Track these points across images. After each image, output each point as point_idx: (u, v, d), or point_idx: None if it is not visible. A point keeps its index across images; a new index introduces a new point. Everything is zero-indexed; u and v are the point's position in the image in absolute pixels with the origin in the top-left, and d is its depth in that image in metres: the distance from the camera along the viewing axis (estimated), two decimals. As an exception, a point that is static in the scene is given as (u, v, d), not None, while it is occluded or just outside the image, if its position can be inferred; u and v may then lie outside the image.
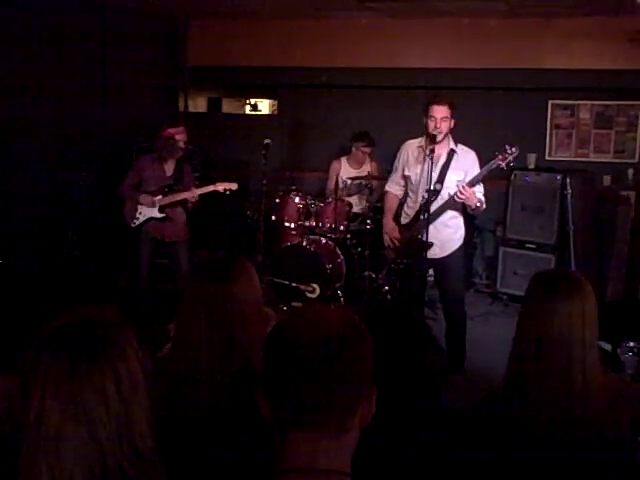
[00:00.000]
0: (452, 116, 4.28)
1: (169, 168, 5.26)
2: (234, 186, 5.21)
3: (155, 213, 5.17)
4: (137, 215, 5.19)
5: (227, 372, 1.80)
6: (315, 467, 1.12)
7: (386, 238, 4.65)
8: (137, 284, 5.33)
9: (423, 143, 4.41)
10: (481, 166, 4.36)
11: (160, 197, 5.16)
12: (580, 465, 1.69)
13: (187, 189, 5.23)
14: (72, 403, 1.15)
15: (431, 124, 4.24)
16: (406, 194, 4.66)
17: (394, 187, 4.72)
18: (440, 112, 4.23)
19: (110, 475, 1.16)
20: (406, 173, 4.53)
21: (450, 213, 4.43)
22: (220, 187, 5.18)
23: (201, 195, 5.20)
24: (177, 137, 5.16)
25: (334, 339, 1.13)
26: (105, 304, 1.30)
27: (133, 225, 5.21)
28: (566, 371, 1.73)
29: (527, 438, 1.72)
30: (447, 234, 4.45)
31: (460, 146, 4.43)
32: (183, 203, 5.24)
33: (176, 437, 1.70)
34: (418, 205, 4.43)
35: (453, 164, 4.35)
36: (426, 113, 4.28)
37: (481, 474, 1.71)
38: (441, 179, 4.33)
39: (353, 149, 6.30)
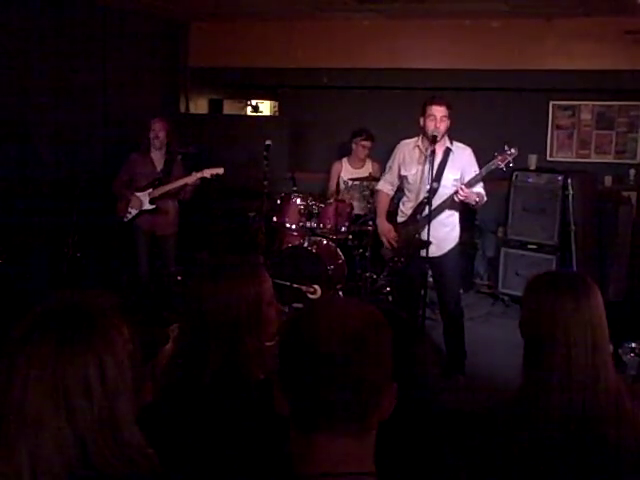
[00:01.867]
0: (449, 117, 4.31)
1: (158, 163, 5.34)
2: (220, 170, 5.25)
3: (146, 205, 5.25)
4: (129, 209, 5.28)
5: (204, 376, 1.79)
6: (342, 471, 1.07)
7: (383, 239, 4.68)
8: (138, 282, 5.37)
9: (420, 143, 4.44)
10: (479, 165, 4.39)
11: (151, 190, 5.24)
12: (594, 467, 1.68)
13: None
14: (54, 389, 1.13)
15: (431, 123, 4.27)
16: (400, 191, 4.69)
17: (387, 186, 4.76)
18: (440, 111, 4.27)
19: (93, 464, 1.14)
20: (403, 173, 4.55)
21: (447, 212, 4.46)
22: (207, 173, 5.24)
23: (196, 189, 5.31)
24: (152, 126, 5.23)
25: (351, 338, 1.08)
26: (100, 291, 1.28)
27: (125, 219, 5.30)
28: (577, 373, 1.72)
29: (540, 441, 1.71)
30: (444, 233, 4.48)
31: (456, 143, 4.46)
32: (174, 194, 5.32)
33: (167, 440, 1.69)
34: (416, 204, 4.46)
35: (449, 163, 4.39)
36: (424, 113, 4.32)
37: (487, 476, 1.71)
38: (438, 178, 4.35)
39: (353, 146, 6.31)
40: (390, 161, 4.70)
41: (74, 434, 1.14)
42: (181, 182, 5.25)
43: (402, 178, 4.60)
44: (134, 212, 5.27)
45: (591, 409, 1.69)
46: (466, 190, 4.22)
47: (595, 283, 1.82)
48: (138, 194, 5.27)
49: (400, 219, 4.65)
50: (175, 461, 1.59)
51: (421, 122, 4.36)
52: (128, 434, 1.20)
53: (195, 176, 5.24)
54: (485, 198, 4.45)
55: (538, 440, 1.71)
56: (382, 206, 4.78)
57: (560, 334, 1.74)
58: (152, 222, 5.32)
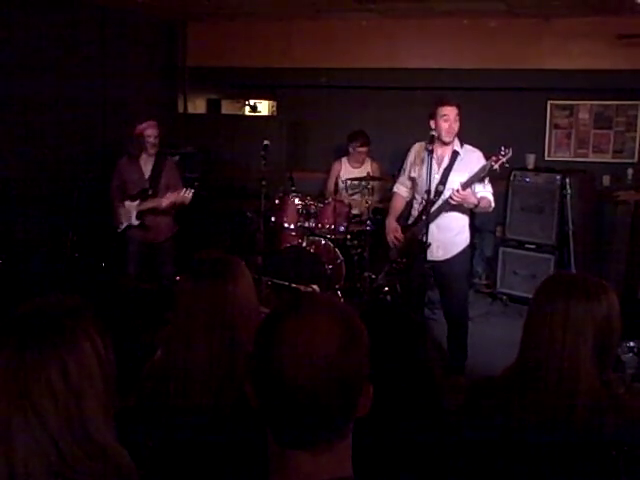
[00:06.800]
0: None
1: (146, 168, 5.17)
2: (187, 199, 4.98)
3: (132, 220, 5.13)
4: (121, 220, 5.19)
5: (230, 375, 1.80)
6: None
7: (389, 238, 4.68)
8: (121, 283, 5.31)
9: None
10: None
11: (139, 202, 5.09)
12: (561, 467, 1.69)
13: (169, 188, 5.13)
14: (17, 392, 1.14)
15: (445, 124, 4.25)
16: (413, 196, 4.69)
17: (401, 188, 4.76)
18: (453, 111, 4.27)
19: (70, 465, 1.15)
20: (412, 174, 4.56)
21: (453, 215, 4.42)
22: (178, 199, 4.98)
23: (193, 196, 5.06)
24: (146, 132, 5.07)
25: (323, 373, 1.03)
26: (71, 295, 1.29)
27: (119, 230, 5.22)
28: (552, 374, 1.73)
29: (516, 436, 1.73)
30: (449, 236, 4.45)
31: (465, 147, 4.43)
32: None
33: (175, 444, 1.69)
34: (421, 206, 4.47)
35: (456, 166, 4.35)
36: (436, 114, 4.29)
37: (476, 472, 1.72)
38: (444, 181, 4.33)
39: (350, 150, 6.33)
40: (404, 163, 4.71)
41: (47, 436, 1.14)
42: (159, 203, 5.02)
43: (412, 180, 4.60)
44: (124, 224, 5.18)
45: (566, 409, 1.70)
46: (461, 192, 4.18)
47: (587, 283, 1.81)
48: (128, 205, 5.14)
49: (410, 221, 4.66)
50: (157, 464, 1.60)
51: (432, 124, 4.32)
52: (98, 435, 1.20)
53: (166, 200, 4.99)
54: (493, 204, 4.40)
55: (515, 436, 1.72)
56: (394, 207, 4.78)
57: (538, 333, 1.77)
58: (142, 234, 5.22)
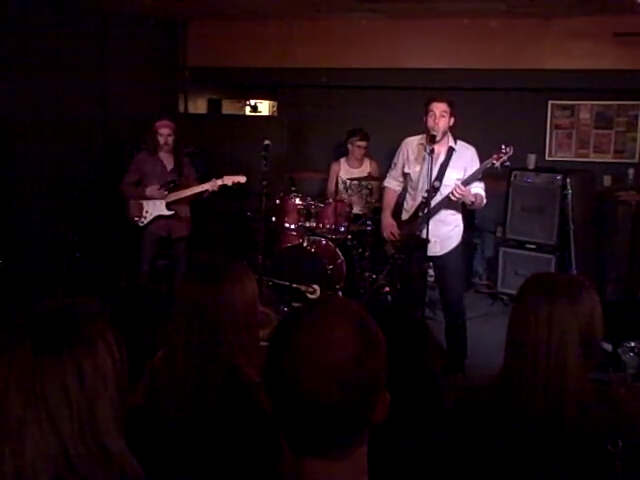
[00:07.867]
0: (452, 114, 4.33)
1: (168, 162, 5.25)
2: (242, 179, 5.22)
3: (163, 210, 5.16)
4: (144, 214, 5.16)
5: (211, 379, 1.79)
6: None
7: (385, 234, 4.70)
8: (137, 283, 5.31)
9: (423, 141, 4.46)
10: (480, 163, 4.41)
11: (166, 193, 5.14)
12: (556, 466, 1.69)
13: (188, 182, 5.24)
14: (33, 394, 1.14)
15: (430, 120, 4.31)
16: (405, 190, 4.71)
17: (393, 183, 4.78)
18: (439, 108, 4.30)
19: (74, 468, 1.14)
20: (406, 170, 4.58)
21: (449, 210, 4.47)
22: (228, 181, 5.17)
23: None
24: (160, 130, 5.17)
25: (339, 384, 1.01)
26: (86, 297, 1.28)
27: (141, 224, 5.18)
28: (540, 374, 1.73)
29: (508, 436, 1.72)
30: (445, 231, 4.49)
31: (460, 143, 4.48)
32: (194, 197, 5.25)
33: (156, 447, 1.69)
34: (417, 202, 4.48)
35: (452, 162, 4.40)
36: (426, 110, 4.35)
37: (477, 472, 1.72)
38: (440, 177, 4.37)
39: (349, 146, 6.34)
40: (395, 157, 4.74)
41: (56, 439, 1.14)
42: (199, 189, 5.17)
43: (405, 175, 4.62)
44: (150, 217, 5.15)
45: (556, 409, 1.70)
46: (462, 188, 4.23)
47: (583, 284, 1.81)
48: (151, 193, 5.15)
49: (403, 217, 4.68)
50: (161, 467, 1.59)
51: (424, 120, 4.39)
52: (108, 439, 1.19)
53: (216, 184, 5.14)
54: (484, 200, 4.45)
55: (508, 437, 1.72)
56: (388, 201, 4.80)
57: (522, 332, 1.79)
58: (168, 226, 5.22)
